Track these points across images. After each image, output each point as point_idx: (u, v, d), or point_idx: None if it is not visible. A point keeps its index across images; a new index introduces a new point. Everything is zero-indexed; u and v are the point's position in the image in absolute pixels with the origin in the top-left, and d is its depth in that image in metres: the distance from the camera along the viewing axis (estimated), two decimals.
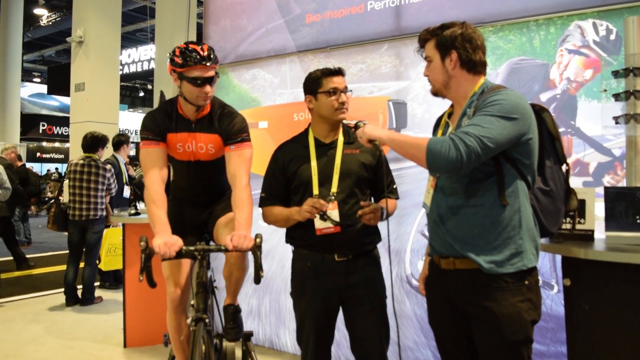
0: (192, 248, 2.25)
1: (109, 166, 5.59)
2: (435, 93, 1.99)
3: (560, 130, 2.77)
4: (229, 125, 2.53)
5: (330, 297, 2.36)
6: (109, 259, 5.85)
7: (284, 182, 2.43)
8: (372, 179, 2.42)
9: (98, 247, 5.62)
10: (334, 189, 2.34)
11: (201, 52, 2.38)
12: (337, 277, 2.34)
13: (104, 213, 5.54)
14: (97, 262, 5.72)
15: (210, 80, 2.42)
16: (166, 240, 2.17)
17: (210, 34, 4.41)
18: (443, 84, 1.93)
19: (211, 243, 2.78)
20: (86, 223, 5.44)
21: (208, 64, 2.38)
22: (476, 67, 1.90)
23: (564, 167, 2.03)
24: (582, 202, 2.25)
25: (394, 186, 2.50)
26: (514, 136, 1.72)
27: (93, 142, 5.58)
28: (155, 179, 2.43)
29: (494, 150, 1.71)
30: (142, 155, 2.49)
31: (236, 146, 2.49)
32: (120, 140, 6.33)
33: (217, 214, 2.71)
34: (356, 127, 2.14)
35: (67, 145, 23.94)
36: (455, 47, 1.88)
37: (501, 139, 1.70)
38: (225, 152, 2.53)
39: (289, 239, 2.47)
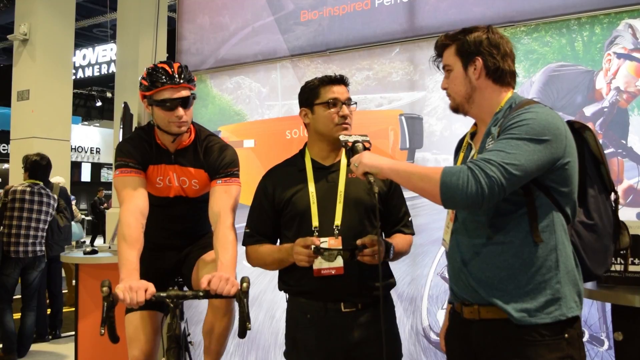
0: (163, 294, 2.25)
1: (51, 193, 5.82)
2: (456, 109, 2.05)
3: (609, 150, 2.85)
4: (218, 158, 2.63)
5: (334, 358, 2.34)
6: None
7: (274, 216, 2.46)
8: (382, 209, 2.43)
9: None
10: (338, 220, 2.35)
11: (169, 70, 2.49)
12: (343, 332, 2.33)
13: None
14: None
15: (183, 103, 2.51)
16: (132, 285, 2.18)
17: (185, 33, 4.49)
18: (465, 97, 2.00)
19: (186, 289, 2.81)
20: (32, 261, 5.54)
21: (178, 82, 2.49)
22: (504, 77, 1.97)
23: (612, 197, 2.06)
24: (636, 238, 2.29)
25: (409, 219, 2.53)
26: (545, 161, 1.78)
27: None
28: (133, 211, 2.48)
29: (521, 180, 1.77)
30: (118, 184, 2.56)
31: (224, 181, 2.59)
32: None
33: (195, 254, 2.76)
34: (353, 149, 2.15)
35: (5, 166, 23.90)
36: (480, 53, 1.95)
37: (530, 165, 1.75)
38: (211, 186, 2.62)
39: (283, 284, 2.47)
